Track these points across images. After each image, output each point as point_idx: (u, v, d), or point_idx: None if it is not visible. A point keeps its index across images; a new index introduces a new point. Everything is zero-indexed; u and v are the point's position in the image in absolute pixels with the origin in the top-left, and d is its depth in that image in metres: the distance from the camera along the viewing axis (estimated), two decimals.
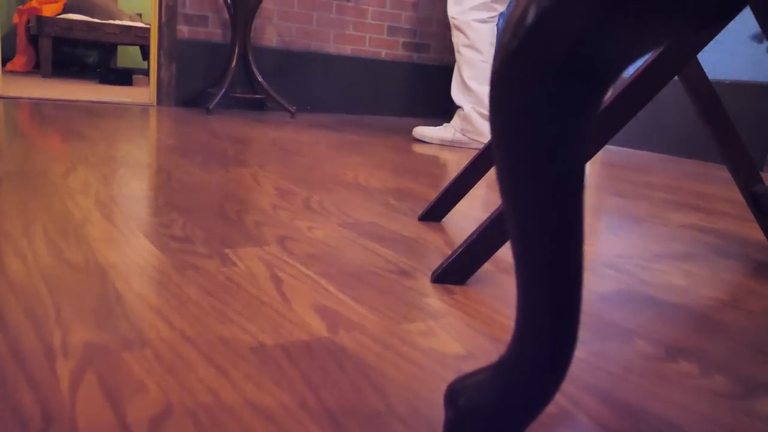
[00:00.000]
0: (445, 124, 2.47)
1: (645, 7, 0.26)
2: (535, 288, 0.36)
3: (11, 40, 5.13)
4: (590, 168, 2.08)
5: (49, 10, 4.71)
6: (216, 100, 2.81)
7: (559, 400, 0.52)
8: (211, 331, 0.58)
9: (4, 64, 4.95)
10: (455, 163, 1.95)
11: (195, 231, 0.93)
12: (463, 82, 2.33)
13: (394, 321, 0.65)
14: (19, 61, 4.89)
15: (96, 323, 0.58)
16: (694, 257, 1.04)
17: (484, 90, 2.30)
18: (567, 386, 0.54)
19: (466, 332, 0.65)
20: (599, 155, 2.48)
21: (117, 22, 4.84)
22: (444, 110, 3.85)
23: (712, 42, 2.48)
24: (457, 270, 0.82)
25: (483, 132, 2.36)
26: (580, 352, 0.62)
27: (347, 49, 3.52)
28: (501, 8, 2.27)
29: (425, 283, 0.79)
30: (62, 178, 1.21)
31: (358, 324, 0.63)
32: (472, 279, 0.83)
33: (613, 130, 0.79)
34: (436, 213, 1.16)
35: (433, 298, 0.74)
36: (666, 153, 2.77)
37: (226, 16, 3.12)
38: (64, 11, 4.81)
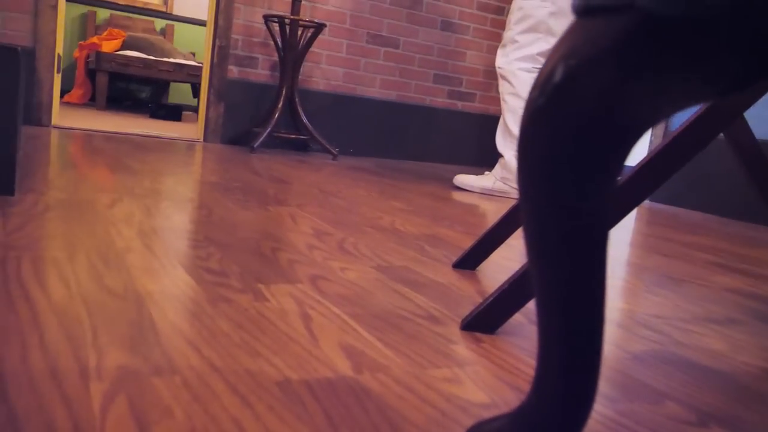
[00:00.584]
0: (486, 173, 2.50)
1: (664, 75, 0.27)
2: (555, 340, 0.37)
3: (71, 74, 5.36)
4: (635, 225, 2.06)
5: (108, 47, 4.93)
6: (260, 140, 2.88)
7: None
8: (239, 363, 0.60)
9: (62, 96, 5.18)
10: (493, 213, 1.95)
11: (231, 266, 0.95)
12: (506, 128, 2.37)
13: (420, 366, 0.66)
14: (76, 94, 5.10)
15: (130, 348, 0.60)
16: (734, 322, 1.01)
17: None
18: None
19: (492, 381, 0.64)
20: (645, 212, 2.46)
21: (171, 60, 5.03)
22: (487, 159, 3.87)
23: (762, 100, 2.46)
24: (487, 319, 0.82)
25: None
26: (607, 410, 0.61)
27: (393, 95, 3.58)
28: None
29: (454, 330, 0.79)
30: (108, 208, 1.25)
31: (383, 366, 0.64)
32: (502, 329, 0.82)
33: (651, 187, 0.79)
34: (470, 261, 1.16)
35: (461, 346, 0.74)
36: (715, 213, 2.72)
37: (276, 58, 3.22)
38: (123, 48, 5.03)
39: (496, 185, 2.43)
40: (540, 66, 2.29)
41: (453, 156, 3.83)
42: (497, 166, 2.43)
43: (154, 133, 3.24)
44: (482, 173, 2.65)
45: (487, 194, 2.45)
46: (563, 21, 2.31)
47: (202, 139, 3.16)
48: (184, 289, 0.80)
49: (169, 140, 3.03)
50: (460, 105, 3.80)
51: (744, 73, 0.27)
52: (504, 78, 2.35)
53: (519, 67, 2.30)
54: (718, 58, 0.26)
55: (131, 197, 1.40)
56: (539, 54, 2.30)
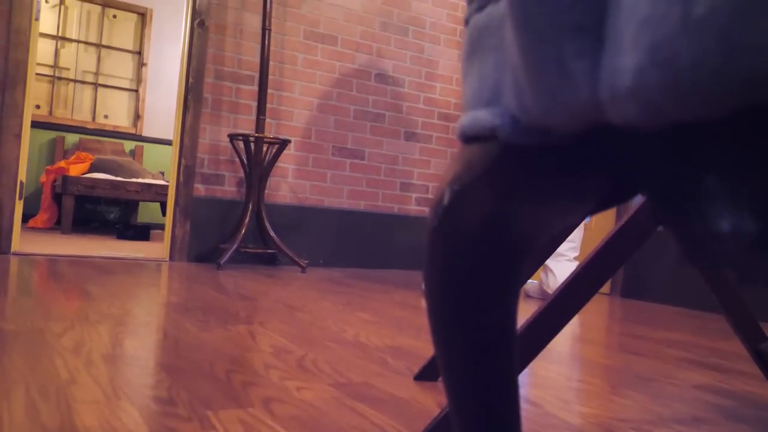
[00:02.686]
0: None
1: (535, 195, 0.28)
2: None
3: (37, 199, 5.37)
4: (606, 323, 2.05)
5: (75, 170, 4.98)
6: (227, 256, 2.87)
7: None
8: None
9: (27, 221, 5.15)
10: None
11: (180, 392, 0.92)
12: None
13: None
14: (41, 218, 5.08)
15: None
16: (703, 421, 0.99)
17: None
18: None
19: None
20: (617, 308, 2.46)
21: (139, 180, 5.08)
22: None
23: None
24: None
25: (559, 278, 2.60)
26: None
27: (361, 205, 3.64)
28: None
29: None
30: (57, 337, 1.22)
31: None
32: None
33: (595, 285, 0.80)
34: (432, 372, 1.14)
35: None
36: (687, 306, 2.73)
37: (242, 174, 3.28)
38: (90, 171, 5.08)
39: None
40: None
41: (422, 262, 3.85)
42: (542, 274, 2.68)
43: (120, 254, 3.22)
44: None
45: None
46: None
47: (168, 258, 3.13)
48: (126, 422, 0.77)
49: (134, 261, 3.01)
50: (428, 211, 3.86)
51: (614, 190, 0.28)
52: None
53: None
54: (581, 179, 0.27)
55: (84, 324, 1.37)
56: None
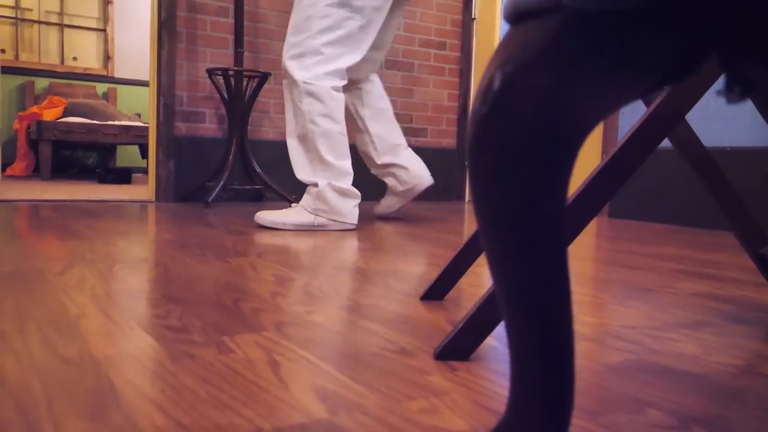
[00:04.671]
0: (294, 206, 2.22)
1: (599, 70, 0.27)
2: (524, 353, 0.36)
3: (12, 146, 5.25)
4: (596, 241, 2.08)
5: (49, 115, 4.85)
6: (214, 194, 2.85)
7: None
8: (207, 418, 0.57)
9: (4, 170, 5.04)
10: (454, 242, 1.95)
11: (192, 321, 0.92)
12: (319, 157, 2.12)
13: (396, 400, 0.64)
14: (18, 166, 4.98)
15: (89, 416, 0.57)
16: (705, 324, 1.02)
17: (343, 164, 2.15)
18: None
19: (470, 408, 0.63)
20: (606, 227, 2.50)
21: (116, 122, 4.97)
22: (444, 193, 3.90)
23: (714, 111, 2.55)
24: (460, 346, 0.81)
25: (340, 210, 2.14)
26: (588, 424, 0.60)
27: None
28: (347, 80, 2.18)
29: (427, 361, 0.78)
30: (58, 276, 1.21)
31: (358, 404, 0.62)
32: (476, 354, 0.81)
33: (604, 198, 0.80)
34: (437, 292, 1.15)
35: (436, 376, 0.72)
36: (675, 224, 2.78)
37: (223, 111, 3.21)
38: (65, 115, 4.95)
39: (319, 221, 2.14)
40: (345, 83, 2.15)
41: None
42: (307, 197, 2.15)
43: (104, 197, 3.17)
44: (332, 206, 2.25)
45: (304, 230, 2.14)
46: (372, 33, 2.15)
47: (153, 199, 3.10)
48: (144, 349, 0.77)
49: (120, 203, 2.97)
50: (413, 141, 3.83)
51: (679, 62, 0.27)
52: (314, 96, 2.08)
53: (332, 85, 2.10)
54: (649, 49, 0.26)
55: (82, 263, 1.36)
56: (348, 68, 2.15)
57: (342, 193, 2.14)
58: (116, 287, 1.12)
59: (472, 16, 3.92)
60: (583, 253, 1.77)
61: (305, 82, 2.07)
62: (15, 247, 1.52)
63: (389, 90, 3.71)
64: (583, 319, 1.02)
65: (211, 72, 2.94)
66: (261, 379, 0.68)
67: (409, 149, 2.50)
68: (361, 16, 2.08)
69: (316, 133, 2.10)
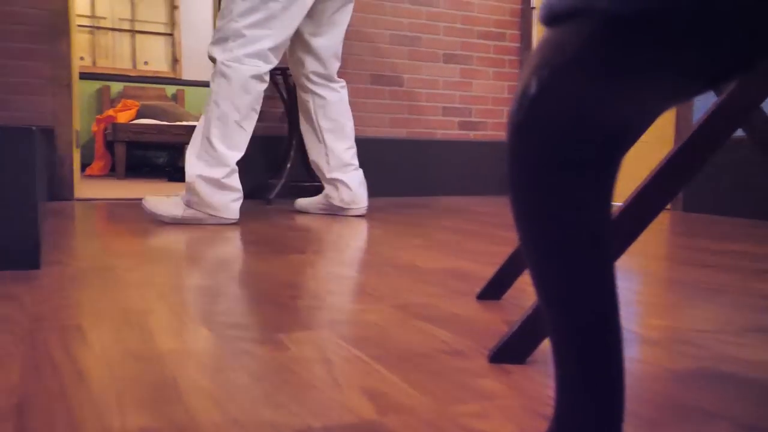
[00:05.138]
0: (176, 195, 2.16)
1: (637, 73, 0.27)
2: (568, 357, 0.36)
3: (90, 148, 5.50)
4: (668, 237, 2.03)
5: (123, 118, 5.06)
6: (276, 191, 2.91)
7: None
8: (260, 415, 0.59)
9: (84, 170, 5.30)
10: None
11: (251, 318, 0.95)
12: (207, 139, 2.04)
13: (446, 403, 0.65)
14: (96, 166, 5.22)
15: (152, 408, 0.60)
16: None
17: (229, 155, 2.06)
18: None
19: (523, 414, 0.63)
20: (677, 222, 2.42)
21: (183, 123, 5.14)
22: (503, 187, 3.86)
23: None
24: (516, 348, 0.80)
25: (213, 204, 2.06)
26: None
27: (403, 132, 3.62)
28: (274, 61, 2.13)
29: (481, 363, 0.78)
30: (128, 272, 1.27)
31: (408, 406, 0.63)
32: (532, 357, 0.81)
33: (670, 192, 0.77)
34: (494, 291, 1.15)
35: (489, 379, 0.73)
36: (754, 218, 2.66)
37: (282, 109, 3.28)
38: (137, 117, 5.16)
39: (187, 213, 2.08)
40: (269, 65, 2.13)
41: (469, 187, 3.84)
42: (185, 190, 2.10)
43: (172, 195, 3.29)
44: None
45: (179, 223, 2.10)
46: (297, 13, 2.11)
47: None
48: (205, 345, 0.81)
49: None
50: (472, 135, 3.81)
51: (727, 63, 0.27)
52: (225, 77, 2.05)
53: (252, 74, 2.07)
54: (692, 52, 0.26)
55: (150, 260, 1.42)
56: (271, 49, 2.10)
57: (217, 185, 2.05)
58: (181, 284, 1.17)
59: (531, 6, 3.86)
60: (652, 251, 1.73)
61: (222, 63, 2.04)
62: (91, 245, 1.61)
63: (448, 84, 3.70)
64: (649, 322, 1.00)
65: (271, 72, 3.00)
66: (314, 378, 0.70)
67: (359, 171, 2.48)
68: None
69: (214, 114, 2.04)
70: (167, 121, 5.19)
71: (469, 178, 3.83)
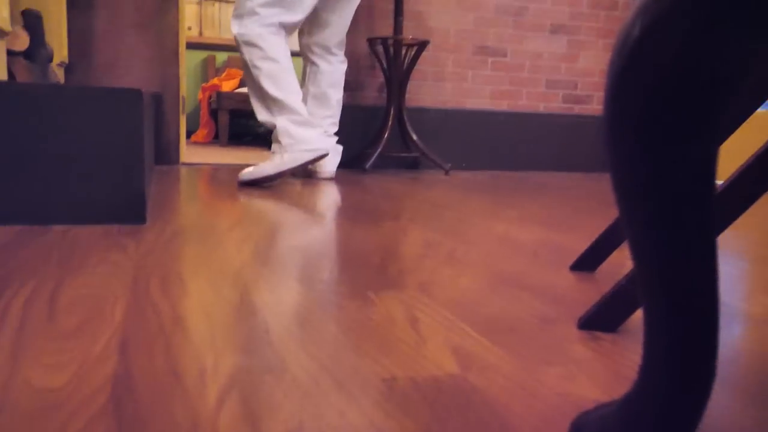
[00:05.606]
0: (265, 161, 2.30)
1: (744, 22, 0.25)
2: (658, 318, 0.34)
3: (196, 115, 5.75)
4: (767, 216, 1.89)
5: (227, 86, 5.24)
6: (372, 160, 2.94)
7: None
8: (347, 362, 0.60)
9: (188, 136, 5.56)
10: (609, 212, 1.86)
11: (341, 276, 0.97)
12: (268, 97, 2.21)
13: (532, 364, 0.63)
14: (201, 133, 5.45)
15: (244, 350, 0.62)
16: None
17: (292, 98, 2.21)
18: None
19: (610, 379, 0.61)
20: None
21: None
22: (599, 161, 3.72)
23: None
24: (607, 316, 0.78)
25: (304, 138, 2.20)
26: (745, 420, 0.56)
27: (504, 105, 3.54)
28: (288, 34, 2.26)
29: (571, 330, 0.76)
30: (227, 231, 1.32)
31: (493, 365, 0.62)
32: (624, 326, 0.78)
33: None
34: (589, 262, 1.12)
35: (578, 344, 0.71)
36: None
37: (382, 79, 3.29)
38: (240, 86, 5.33)
39: (285, 158, 2.19)
40: (282, 34, 2.19)
41: (570, 163, 3.72)
42: (274, 142, 2.23)
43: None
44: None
45: (284, 174, 2.21)
46: None
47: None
48: (297, 298, 0.83)
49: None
50: (576, 109, 3.68)
51: None
52: (249, 44, 2.17)
53: (266, 31, 2.17)
54: None
55: (249, 221, 1.47)
56: (281, 23, 2.20)
57: (301, 123, 2.21)
58: (276, 243, 1.21)
59: None
60: (760, 227, 1.61)
61: (240, 34, 2.18)
62: (194, 205, 1.69)
63: (554, 56, 3.59)
64: (756, 298, 0.94)
65: (371, 41, 3.02)
66: (400, 333, 0.71)
67: (333, 138, 2.57)
68: None
69: (260, 75, 2.19)
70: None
71: (571, 153, 3.71)
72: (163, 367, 0.57)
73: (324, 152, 2.25)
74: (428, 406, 0.51)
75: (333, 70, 2.56)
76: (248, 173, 2.23)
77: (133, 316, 0.73)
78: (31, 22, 1.82)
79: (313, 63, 2.56)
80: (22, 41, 1.78)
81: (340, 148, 2.66)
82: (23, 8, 2.01)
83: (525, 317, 0.80)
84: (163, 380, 0.55)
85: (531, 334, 0.73)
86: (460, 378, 0.58)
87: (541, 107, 3.63)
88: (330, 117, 2.58)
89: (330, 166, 2.59)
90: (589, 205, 2.09)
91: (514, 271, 1.07)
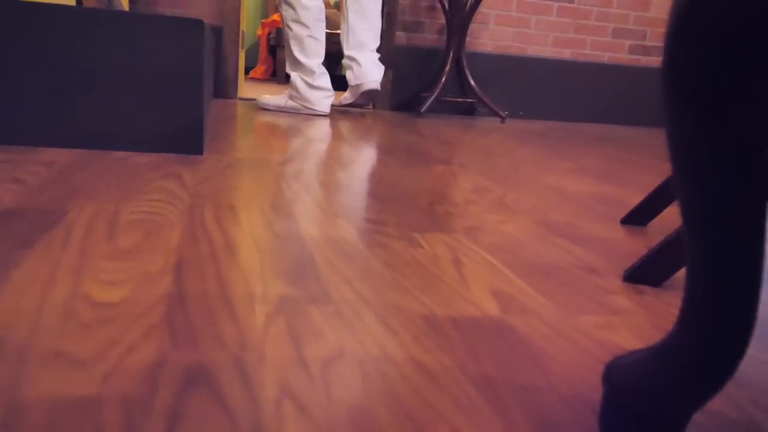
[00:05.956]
0: (283, 94, 2.71)
1: None
2: (701, 264, 0.34)
3: (255, 52, 5.77)
4: None
5: None
6: (427, 104, 2.91)
7: (742, 404, 0.47)
8: (389, 298, 0.62)
9: (247, 73, 5.59)
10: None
11: (388, 216, 0.98)
12: (291, 54, 2.56)
13: (572, 311, 0.64)
14: (259, 70, 5.48)
15: (291, 280, 0.65)
16: None
17: (311, 62, 2.52)
18: (745, 392, 0.49)
19: (649, 331, 0.61)
20: None
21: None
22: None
23: None
24: (653, 270, 0.77)
25: (308, 98, 2.57)
26: None
27: (566, 53, 3.44)
28: None
29: (615, 282, 0.76)
30: (280, 166, 1.35)
31: (532, 309, 0.63)
32: (669, 282, 0.77)
33: None
34: (641, 217, 1.10)
35: (620, 296, 0.71)
36: None
37: (443, 21, 3.22)
38: None
39: (288, 103, 2.62)
40: None
41: (631, 116, 3.60)
42: (289, 87, 2.62)
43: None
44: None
45: (283, 111, 2.64)
46: None
47: (371, 107, 3.25)
48: (344, 235, 0.85)
49: (341, 108, 3.16)
50: (643, 60, 3.54)
51: None
52: (288, 4, 2.48)
53: None
54: None
55: (301, 157, 1.49)
56: None
57: (310, 85, 2.56)
58: (326, 180, 1.23)
59: None
60: None
61: None
62: (249, 139, 1.72)
63: (623, 3, 3.43)
64: None
65: None
66: (443, 273, 0.72)
67: (375, 54, 2.69)
68: None
69: (290, 35, 2.54)
70: (329, 29, 5.28)
71: (633, 107, 3.59)
72: (214, 290, 0.60)
73: (321, 113, 2.61)
74: (466, 344, 0.53)
75: None
76: (263, 101, 2.68)
77: (187, 241, 0.76)
78: None
79: None
80: None
81: (383, 67, 2.80)
82: None
83: (569, 267, 0.80)
84: (213, 302, 0.57)
85: (574, 282, 0.73)
86: (499, 320, 0.59)
87: (606, 57, 3.50)
88: (370, 30, 2.69)
89: (374, 76, 2.74)
90: (645, 160, 2.04)
91: (563, 221, 1.06)
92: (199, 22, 1.32)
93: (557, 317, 0.62)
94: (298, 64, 2.57)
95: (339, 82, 5.11)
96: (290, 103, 2.64)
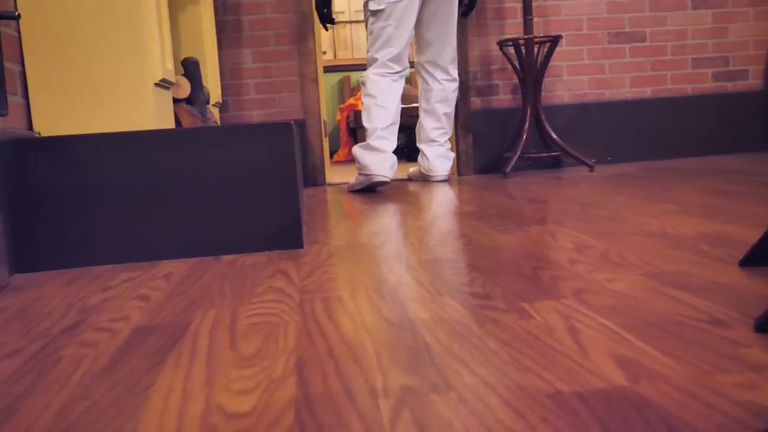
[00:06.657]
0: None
1: None
2: None
3: (336, 136, 5.99)
4: None
5: None
6: (512, 163, 2.91)
7: None
8: (509, 378, 0.61)
9: (331, 157, 5.80)
10: (750, 197, 1.71)
11: (494, 288, 0.98)
12: (363, 123, 2.72)
13: (705, 372, 0.61)
14: (342, 152, 5.67)
15: (409, 369, 0.65)
16: None
17: (372, 126, 2.65)
18: None
19: None
20: None
21: (417, 105, 5.34)
22: (759, 141, 3.42)
23: None
24: None
25: (367, 164, 2.63)
26: None
27: (647, 92, 3.37)
28: (397, 67, 2.69)
29: (745, 332, 0.72)
30: (378, 249, 1.37)
31: (661, 374, 0.60)
32: None
33: None
34: (761, 257, 1.04)
35: (755, 349, 0.67)
36: None
37: (515, 80, 3.25)
38: None
39: (356, 180, 2.76)
40: (393, 70, 2.66)
41: (728, 145, 3.45)
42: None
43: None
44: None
45: (355, 190, 2.75)
46: (405, 27, 2.64)
47: (456, 173, 3.28)
48: (452, 314, 0.85)
49: (425, 181, 3.21)
50: (730, 86, 3.42)
51: None
52: (362, 83, 2.75)
53: (374, 72, 2.67)
54: None
55: (397, 237, 1.52)
56: (389, 60, 2.67)
57: (368, 148, 2.64)
58: (426, 257, 1.24)
59: None
60: None
61: (364, 77, 2.75)
62: (344, 225, 1.77)
63: (698, 32, 3.35)
64: None
65: (502, 44, 2.99)
66: (560, 345, 0.70)
67: (443, 147, 2.94)
68: (393, 19, 2.62)
69: (363, 107, 2.73)
70: (404, 104, 5.44)
71: (727, 134, 3.44)
72: (336, 388, 0.62)
73: (380, 179, 2.64)
74: (597, 420, 0.51)
75: (441, 87, 2.89)
76: (351, 184, 2.81)
77: (303, 339, 0.79)
78: (191, 69, 2.00)
79: (424, 80, 2.93)
80: (184, 89, 1.97)
81: (452, 155, 3.01)
82: (183, 56, 2.21)
83: (691, 321, 0.76)
84: (338, 401, 0.59)
85: (700, 339, 0.70)
86: (629, 390, 0.57)
87: (689, 89, 3.40)
88: (439, 128, 2.92)
89: (441, 170, 2.95)
90: (752, 190, 1.93)
91: (675, 270, 1.02)
92: (287, 125, 1.40)
93: (690, 380, 0.59)
94: (365, 131, 2.70)
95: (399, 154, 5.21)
96: (357, 179, 2.72)
